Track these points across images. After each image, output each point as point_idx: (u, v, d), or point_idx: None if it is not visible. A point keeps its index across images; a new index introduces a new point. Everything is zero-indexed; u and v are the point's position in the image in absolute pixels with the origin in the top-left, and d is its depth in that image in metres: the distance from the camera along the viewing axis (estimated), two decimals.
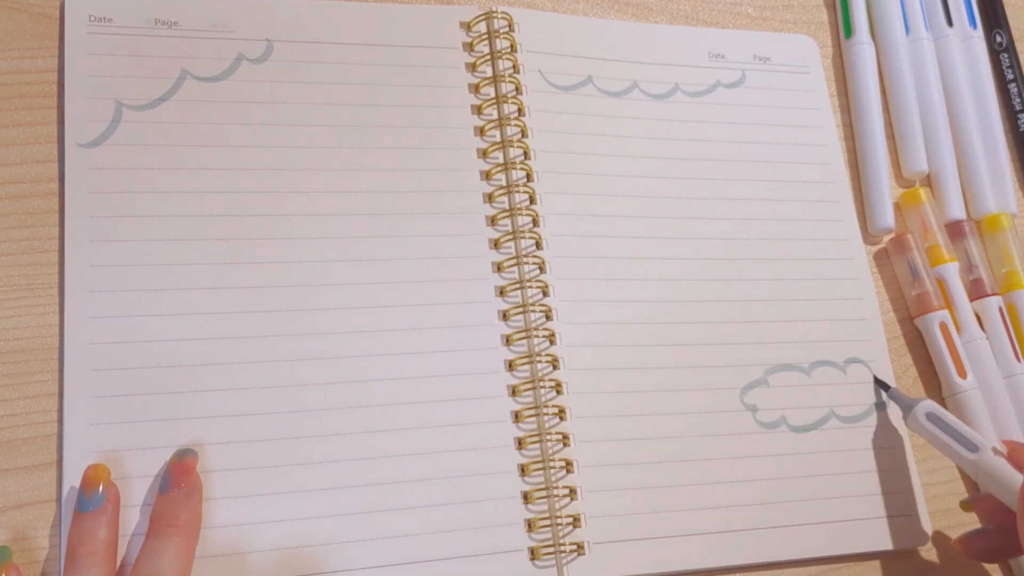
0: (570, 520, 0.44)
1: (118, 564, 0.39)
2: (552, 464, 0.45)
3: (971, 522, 0.51)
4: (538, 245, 0.48)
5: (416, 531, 0.42)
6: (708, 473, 0.47)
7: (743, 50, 0.57)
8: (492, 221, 0.48)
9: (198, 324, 0.43)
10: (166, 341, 0.42)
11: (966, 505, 0.49)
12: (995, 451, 0.45)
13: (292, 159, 0.46)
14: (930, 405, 0.47)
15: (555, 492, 0.44)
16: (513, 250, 0.48)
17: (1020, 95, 0.60)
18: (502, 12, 0.51)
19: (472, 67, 0.51)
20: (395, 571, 0.42)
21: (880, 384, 0.51)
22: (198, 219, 0.44)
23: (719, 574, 0.46)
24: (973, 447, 0.46)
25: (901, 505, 0.49)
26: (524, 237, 0.48)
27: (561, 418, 0.45)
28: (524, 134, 0.50)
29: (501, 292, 0.47)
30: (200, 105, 0.46)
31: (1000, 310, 0.54)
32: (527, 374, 0.46)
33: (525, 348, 0.46)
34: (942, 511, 0.51)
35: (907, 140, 0.57)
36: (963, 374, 0.52)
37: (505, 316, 0.47)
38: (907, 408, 0.48)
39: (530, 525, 0.44)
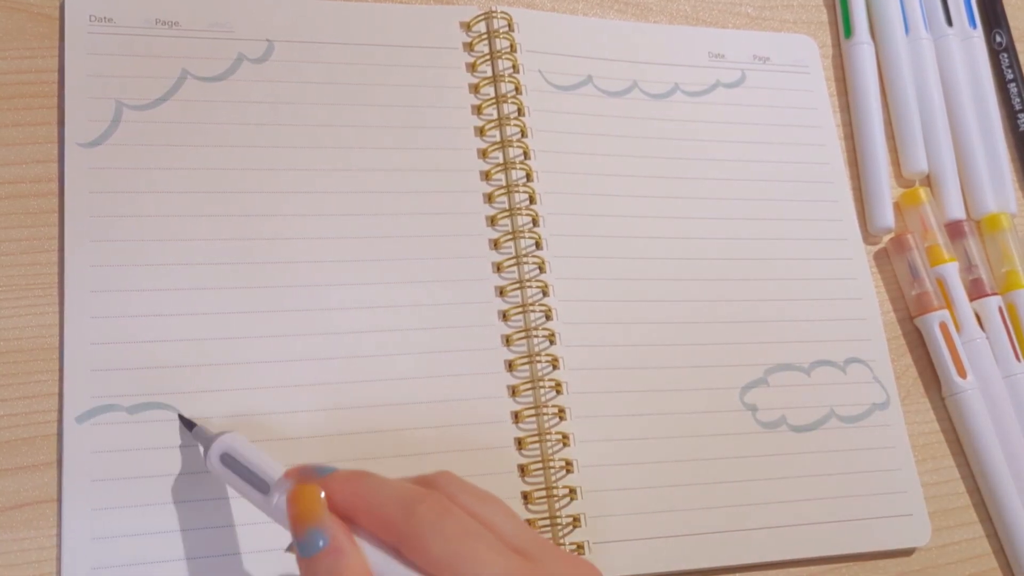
0: (570, 520, 0.44)
1: None
2: (552, 464, 0.45)
3: (972, 521, 0.51)
4: (538, 245, 0.48)
5: None
6: (708, 473, 0.47)
7: (743, 50, 0.57)
8: (492, 221, 0.48)
9: (198, 324, 0.43)
10: (166, 341, 0.42)
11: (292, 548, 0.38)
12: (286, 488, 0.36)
13: (292, 159, 0.46)
14: (228, 443, 0.38)
15: (555, 492, 0.44)
16: (513, 250, 0.48)
17: (1020, 95, 0.60)
18: (502, 12, 0.51)
19: (472, 67, 0.51)
20: None
21: (184, 422, 0.41)
22: (198, 219, 0.44)
23: (719, 574, 0.46)
24: (264, 487, 0.36)
25: (901, 505, 0.49)
26: (524, 237, 0.48)
27: (561, 418, 0.45)
28: (524, 134, 0.50)
29: (501, 292, 0.47)
30: (200, 105, 0.46)
31: (1000, 310, 0.54)
32: (527, 374, 0.46)
33: (525, 348, 0.46)
34: (942, 511, 0.51)
35: (907, 140, 0.57)
36: (963, 374, 0.52)
37: (505, 316, 0.47)
38: (206, 447, 0.38)
39: (531, 525, 0.44)
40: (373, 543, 0.33)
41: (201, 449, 0.39)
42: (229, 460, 0.37)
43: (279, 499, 0.35)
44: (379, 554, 0.33)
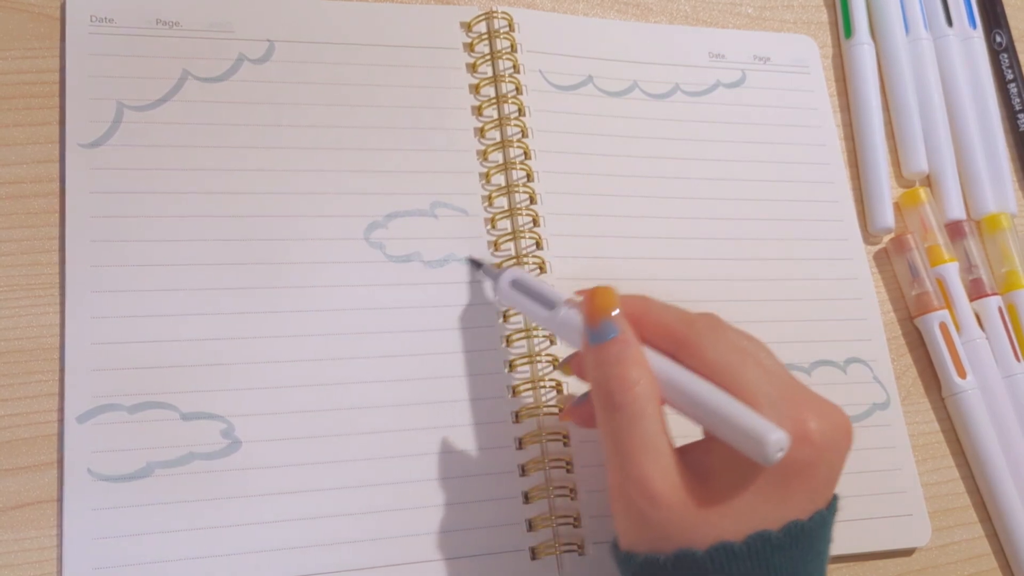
0: (570, 520, 0.44)
1: None
2: (552, 464, 0.45)
3: (972, 521, 0.51)
4: (538, 245, 0.48)
5: (417, 531, 0.42)
6: None
7: (743, 50, 0.57)
8: (492, 222, 0.48)
9: (198, 324, 0.43)
10: (166, 341, 0.42)
11: (565, 367, 0.44)
12: (571, 303, 0.41)
13: (293, 160, 0.46)
14: (515, 272, 0.44)
15: (555, 492, 0.44)
16: (513, 250, 0.48)
17: (1020, 95, 0.60)
18: (502, 12, 0.51)
19: (472, 67, 0.51)
20: (396, 571, 0.42)
21: (472, 262, 0.47)
22: (199, 219, 0.44)
23: None
24: (550, 304, 0.42)
25: (901, 505, 0.49)
26: (524, 237, 0.48)
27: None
28: (524, 134, 0.50)
29: None
30: (201, 105, 0.46)
31: (1000, 310, 0.54)
32: (527, 374, 0.46)
33: (525, 348, 0.46)
34: (942, 511, 0.51)
35: (907, 140, 0.57)
36: (963, 374, 0.52)
37: (505, 316, 0.47)
38: (494, 279, 0.45)
39: (531, 525, 0.44)
40: (651, 347, 0.38)
41: (488, 283, 0.46)
42: (519, 285, 0.43)
43: (564, 312, 0.40)
44: (657, 355, 0.38)
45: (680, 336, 0.37)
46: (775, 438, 0.34)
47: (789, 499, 0.35)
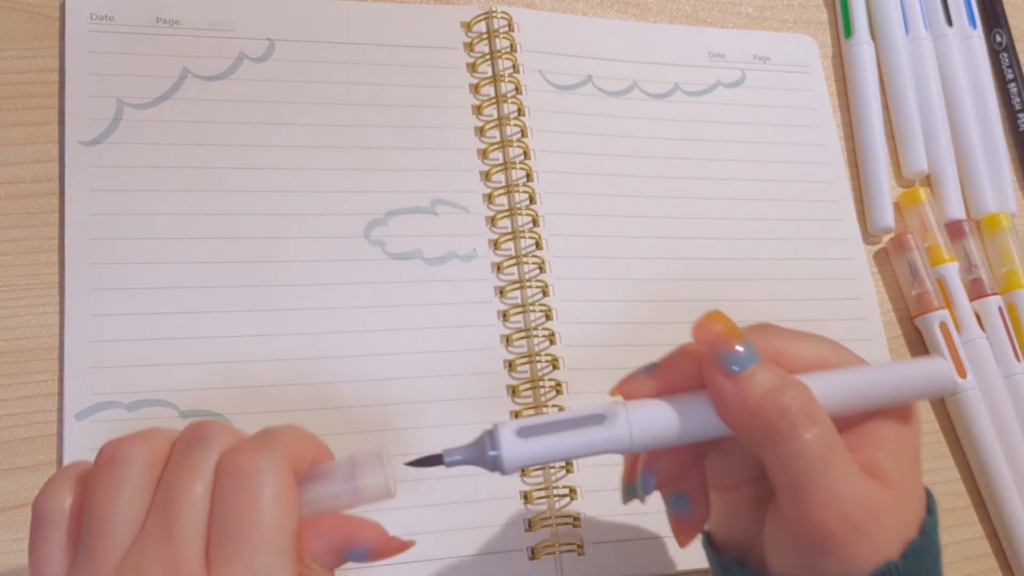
0: (569, 520, 0.44)
1: None
2: (552, 464, 0.45)
3: (972, 521, 0.51)
4: (538, 245, 0.48)
5: (416, 530, 0.42)
6: None
7: (743, 50, 0.57)
8: (492, 221, 0.48)
9: (197, 322, 0.43)
10: (166, 339, 0.42)
11: (627, 493, 0.36)
12: (624, 403, 0.32)
13: (293, 158, 0.47)
14: (509, 424, 0.31)
15: (555, 492, 0.44)
16: (513, 250, 0.48)
17: (1020, 95, 0.60)
18: (502, 12, 0.51)
19: (472, 67, 0.51)
20: (395, 570, 0.42)
21: (421, 462, 0.32)
22: (198, 218, 0.44)
23: None
24: (599, 418, 0.31)
25: None
26: (524, 237, 0.48)
27: None
28: (524, 134, 0.50)
29: (501, 292, 0.47)
30: (201, 104, 0.46)
31: (1000, 310, 0.54)
32: (527, 374, 0.46)
33: (525, 348, 0.46)
34: (942, 511, 0.50)
35: (907, 140, 0.57)
36: (963, 374, 0.52)
37: (505, 316, 0.47)
38: (484, 454, 0.31)
39: (530, 525, 0.44)
40: None
41: (462, 462, 0.31)
42: (530, 431, 0.31)
43: (631, 413, 0.31)
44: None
45: (766, 348, 0.33)
46: (943, 364, 0.33)
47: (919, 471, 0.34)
